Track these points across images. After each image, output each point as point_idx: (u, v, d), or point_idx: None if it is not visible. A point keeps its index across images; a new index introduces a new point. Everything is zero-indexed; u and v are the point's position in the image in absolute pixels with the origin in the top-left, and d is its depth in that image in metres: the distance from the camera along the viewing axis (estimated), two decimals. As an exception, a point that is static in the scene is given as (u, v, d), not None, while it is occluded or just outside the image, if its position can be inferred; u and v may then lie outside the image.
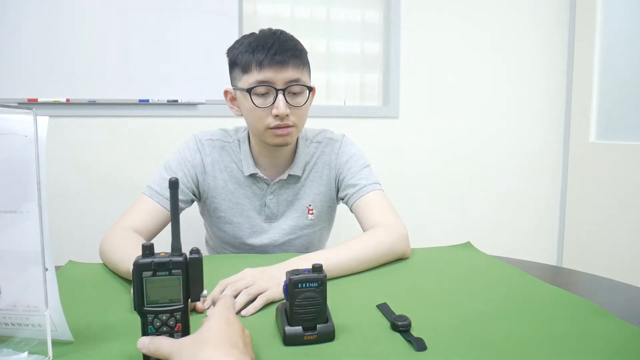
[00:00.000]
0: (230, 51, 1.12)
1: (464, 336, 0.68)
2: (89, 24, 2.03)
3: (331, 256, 0.94)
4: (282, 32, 1.10)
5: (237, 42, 1.10)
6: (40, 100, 2.00)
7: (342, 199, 1.25)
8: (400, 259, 1.07)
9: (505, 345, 0.65)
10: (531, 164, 2.66)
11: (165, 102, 2.12)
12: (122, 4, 2.05)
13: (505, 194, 2.64)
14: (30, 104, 1.99)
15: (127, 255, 0.91)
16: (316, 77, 2.39)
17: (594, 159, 2.49)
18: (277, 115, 1.06)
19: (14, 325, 0.62)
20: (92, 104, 2.07)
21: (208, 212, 1.24)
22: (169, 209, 1.13)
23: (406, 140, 2.48)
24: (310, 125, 1.33)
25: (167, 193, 1.13)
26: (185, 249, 0.60)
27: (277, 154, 1.18)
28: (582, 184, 2.58)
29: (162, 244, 1.20)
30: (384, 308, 0.77)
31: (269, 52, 1.03)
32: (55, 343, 0.63)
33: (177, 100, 2.13)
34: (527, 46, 2.59)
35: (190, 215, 1.37)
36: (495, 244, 2.45)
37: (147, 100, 2.11)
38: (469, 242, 1.20)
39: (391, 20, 2.40)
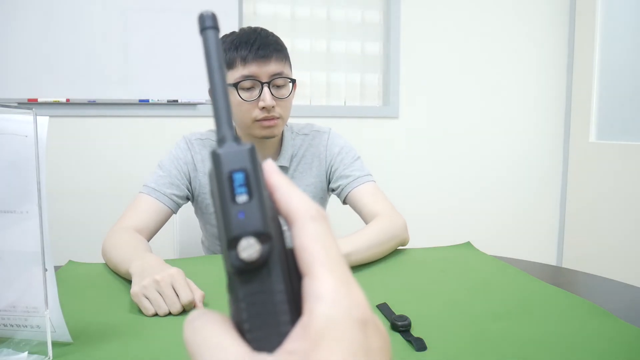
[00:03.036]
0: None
1: (464, 336, 0.68)
2: (89, 24, 2.03)
3: (346, 245, 0.96)
4: (262, 29, 1.15)
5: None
6: (40, 100, 2.00)
7: (334, 190, 1.27)
8: (398, 259, 1.07)
9: (505, 345, 0.65)
10: (531, 164, 2.66)
11: (165, 102, 2.12)
12: (122, 4, 2.05)
13: (505, 194, 2.64)
14: (30, 104, 1.99)
15: (128, 255, 0.91)
16: (316, 77, 2.39)
17: (594, 159, 2.49)
18: (264, 108, 1.10)
19: (12, 326, 0.62)
20: (92, 104, 2.07)
21: (200, 210, 1.26)
22: (168, 206, 1.14)
23: (406, 140, 2.48)
24: (310, 125, 1.34)
25: (165, 190, 1.15)
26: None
27: (263, 147, 1.21)
28: (582, 184, 2.58)
29: (164, 243, 1.20)
30: (384, 308, 0.77)
31: (252, 48, 1.08)
32: (55, 343, 0.63)
33: (177, 100, 2.13)
34: (527, 46, 2.59)
35: (187, 216, 1.37)
36: (495, 244, 2.45)
37: (147, 100, 2.11)
38: (469, 242, 1.20)
39: (391, 20, 2.40)
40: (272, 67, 1.10)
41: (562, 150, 2.69)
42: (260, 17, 2.29)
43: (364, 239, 1.01)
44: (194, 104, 2.16)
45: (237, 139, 0.23)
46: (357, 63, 2.43)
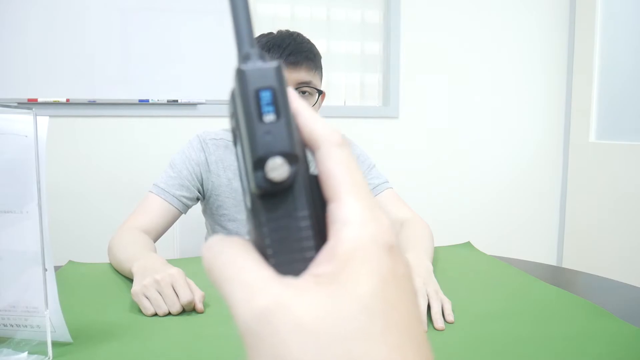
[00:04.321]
0: None
1: (464, 336, 0.68)
2: (89, 24, 2.02)
3: (421, 254, 0.95)
4: (298, 34, 1.12)
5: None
6: (40, 100, 2.00)
7: None
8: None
9: (505, 345, 0.65)
10: (531, 164, 2.66)
11: (165, 102, 2.12)
12: (122, 4, 2.05)
13: (505, 193, 2.63)
14: (30, 104, 1.99)
15: (132, 255, 0.92)
16: (316, 77, 2.39)
17: (594, 159, 2.49)
18: None
19: (12, 326, 0.62)
20: (92, 104, 2.06)
21: (211, 210, 1.25)
22: (177, 207, 1.14)
23: (406, 140, 2.48)
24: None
25: (175, 191, 1.15)
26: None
27: None
28: (582, 184, 2.57)
29: (165, 242, 1.20)
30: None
31: (283, 52, 1.06)
32: (55, 343, 0.63)
33: (177, 100, 2.13)
34: (527, 46, 2.59)
35: (189, 215, 1.37)
36: (495, 244, 2.45)
37: (147, 100, 2.11)
38: (469, 242, 1.20)
39: (391, 20, 2.40)
40: (302, 74, 1.08)
41: (562, 150, 2.69)
42: (261, 17, 2.28)
43: (427, 246, 1.00)
44: (194, 104, 2.16)
45: (262, 56, 0.22)
46: (357, 63, 2.43)
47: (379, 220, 0.21)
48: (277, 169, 0.21)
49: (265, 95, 0.21)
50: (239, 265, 0.21)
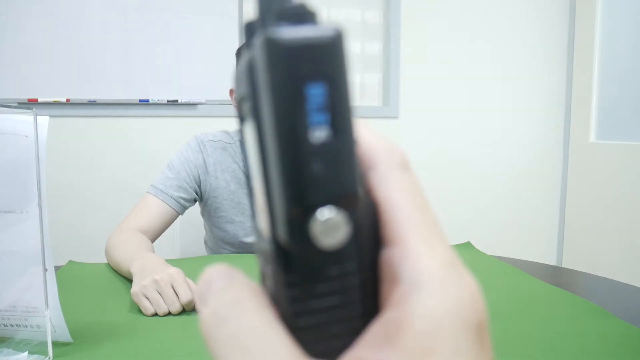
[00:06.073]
0: (239, 51, 1.15)
1: (464, 336, 0.68)
2: (89, 24, 2.02)
3: None
4: None
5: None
6: (40, 100, 2.00)
7: None
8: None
9: (505, 345, 0.65)
10: (531, 164, 2.66)
11: (165, 102, 2.12)
12: (122, 4, 2.05)
13: (505, 193, 2.63)
14: (30, 104, 1.99)
15: (130, 255, 0.92)
16: (316, 77, 2.39)
17: (594, 159, 2.49)
18: None
19: (12, 326, 0.62)
20: (92, 104, 2.06)
21: (209, 213, 1.25)
22: (175, 209, 1.14)
23: (406, 140, 2.48)
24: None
25: (173, 192, 1.14)
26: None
27: None
28: (582, 184, 2.57)
29: (164, 242, 1.20)
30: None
31: None
32: (55, 343, 0.63)
33: (177, 100, 2.13)
34: (527, 46, 2.59)
35: (189, 215, 1.37)
36: (495, 244, 2.45)
37: (147, 100, 2.11)
38: (469, 242, 1.20)
39: (391, 20, 2.40)
40: None
41: (562, 151, 2.69)
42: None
43: None
44: (194, 104, 2.16)
45: (308, 12, 0.13)
46: (357, 63, 2.43)
47: (464, 282, 0.15)
48: (332, 230, 0.13)
49: (317, 94, 0.13)
50: (253, 341, 0.14)
